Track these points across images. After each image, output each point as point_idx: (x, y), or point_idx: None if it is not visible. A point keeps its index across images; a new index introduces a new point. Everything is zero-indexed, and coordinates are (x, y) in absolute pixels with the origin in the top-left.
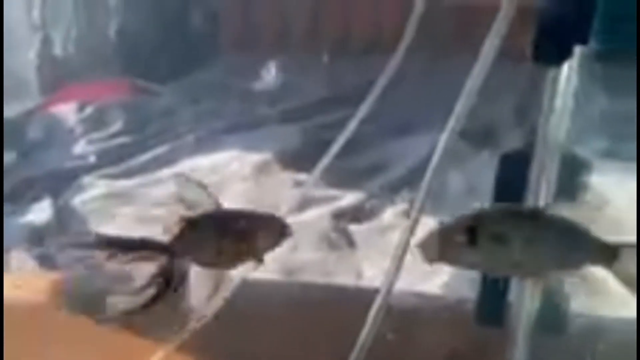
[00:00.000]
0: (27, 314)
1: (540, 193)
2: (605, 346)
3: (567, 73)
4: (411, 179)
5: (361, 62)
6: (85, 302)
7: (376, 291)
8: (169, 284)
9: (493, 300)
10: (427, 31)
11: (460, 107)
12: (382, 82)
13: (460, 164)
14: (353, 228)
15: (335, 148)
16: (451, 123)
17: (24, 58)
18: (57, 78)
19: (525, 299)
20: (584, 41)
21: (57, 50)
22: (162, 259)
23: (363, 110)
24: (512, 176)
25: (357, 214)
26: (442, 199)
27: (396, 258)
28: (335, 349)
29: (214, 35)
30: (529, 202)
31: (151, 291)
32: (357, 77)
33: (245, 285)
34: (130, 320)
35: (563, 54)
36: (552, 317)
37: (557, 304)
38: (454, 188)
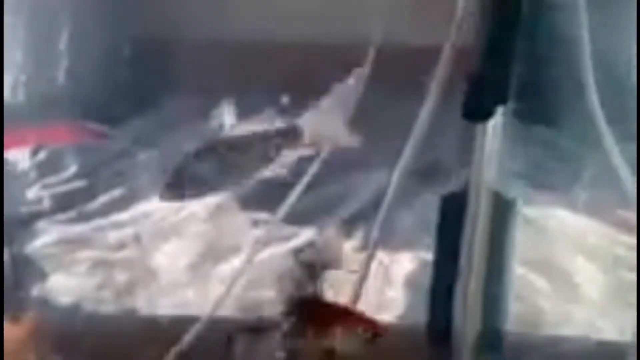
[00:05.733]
0: None
1: (476, 230)
2: None
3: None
4: (365, 215)
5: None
6: None
7: None
8: None
9: (440, 324)
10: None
11: (410, 146)
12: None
13: (410, 200)
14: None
15: (298, 189)
16: (402, 161)
17: None
18: (9, 123)
19: (468, 321)
20: (503, 101)
21: (7, 95)
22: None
23: (326, 150)
24: (451, 216)
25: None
26: (393, 234)
27: (355, 290)
28: None
29: (165, 77)
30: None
31: None
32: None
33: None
34: None
35: (487, 113)
36: (491, 336)
37: (496, 324)
38: (404, 223)
